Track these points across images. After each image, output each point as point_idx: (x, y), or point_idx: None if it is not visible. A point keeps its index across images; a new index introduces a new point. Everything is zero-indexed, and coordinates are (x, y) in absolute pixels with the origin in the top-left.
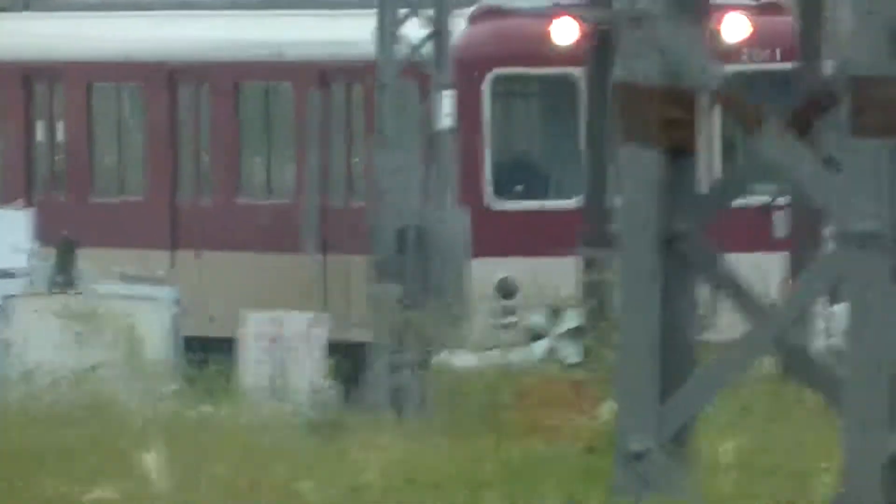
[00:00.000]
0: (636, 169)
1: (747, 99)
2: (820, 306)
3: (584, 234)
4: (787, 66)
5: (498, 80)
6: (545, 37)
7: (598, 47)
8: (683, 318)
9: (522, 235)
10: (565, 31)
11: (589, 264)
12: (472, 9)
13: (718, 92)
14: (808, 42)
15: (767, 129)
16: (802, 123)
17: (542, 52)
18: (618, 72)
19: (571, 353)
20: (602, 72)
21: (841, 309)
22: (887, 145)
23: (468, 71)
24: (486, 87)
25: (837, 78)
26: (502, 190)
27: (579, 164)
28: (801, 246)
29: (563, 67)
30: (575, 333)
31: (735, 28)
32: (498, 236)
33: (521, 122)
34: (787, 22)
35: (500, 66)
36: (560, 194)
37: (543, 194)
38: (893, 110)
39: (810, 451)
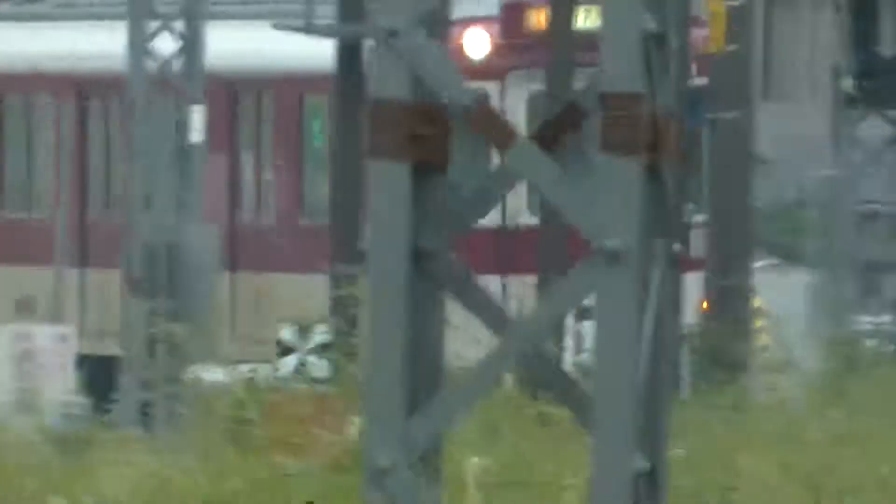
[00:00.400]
0: (385, 185)
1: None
2: (569, 322)
3: (333, 250)
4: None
5: None
6: (456, 50)
7: (348, 63)
8: (431, 334)
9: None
10: (477, 44)
11: (337, 280)
12: None
13: (469, 109)
14: (559, 56)
15: (518, 145)
16: (552, 139)
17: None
18: (370, 87)
19: (320, 368)
20: (350, 87)
21: (590, 326)
22: (637, 162)
23: None
24: None
25: (587, 93)
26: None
27: None
28: (551, 263)
29: (475, 81)
30: (324, 349)
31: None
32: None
33: None
34: None
35: None
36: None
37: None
38: (638, 126)
39: (558, 467)
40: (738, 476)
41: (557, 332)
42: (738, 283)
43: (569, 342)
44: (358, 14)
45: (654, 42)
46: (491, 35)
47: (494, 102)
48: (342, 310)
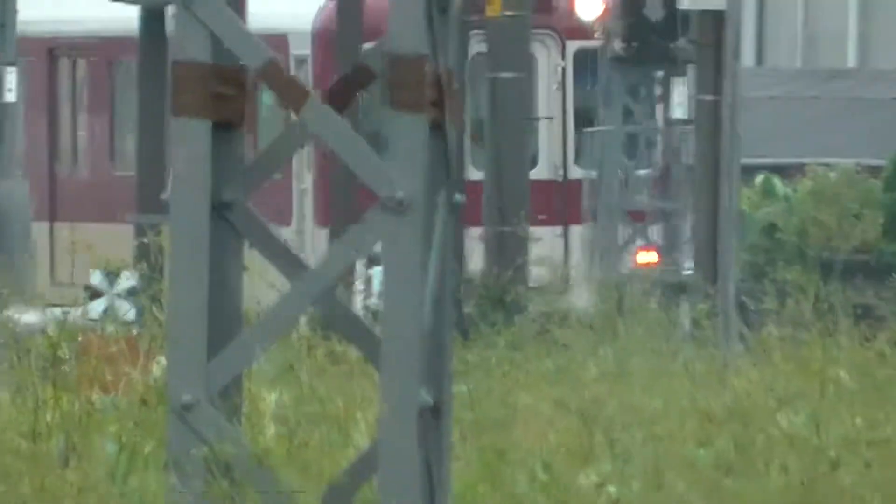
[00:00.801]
0: (187, 142)
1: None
2: (360, 268)
3: (139, 201)
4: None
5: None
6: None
7: (152, 27)
8: (231, 280)
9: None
10: (589, 6)
11: (141, 230)
12: None
13: (263, 70)
14: (347, 9)
15: (310, 104)
16: (344, 98)
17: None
18: (172, 50)
19: (127, 311)
20: (155, 51)
21: (378, 271)
22: (421, 119)
23: (325, 45)
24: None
25: (375, 55)
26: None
27: None
28: (342, 215)
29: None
30: (130, 293)
31: (588, 6)
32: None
33: None
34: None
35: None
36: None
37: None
38: (425, 87)
39: (349, 402)
40: (516, 410)
41: (348, 277)
42: (514, 231)
43: (359, 287)
44: None
45: (438, 8)
46: None
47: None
48: (147, 256)
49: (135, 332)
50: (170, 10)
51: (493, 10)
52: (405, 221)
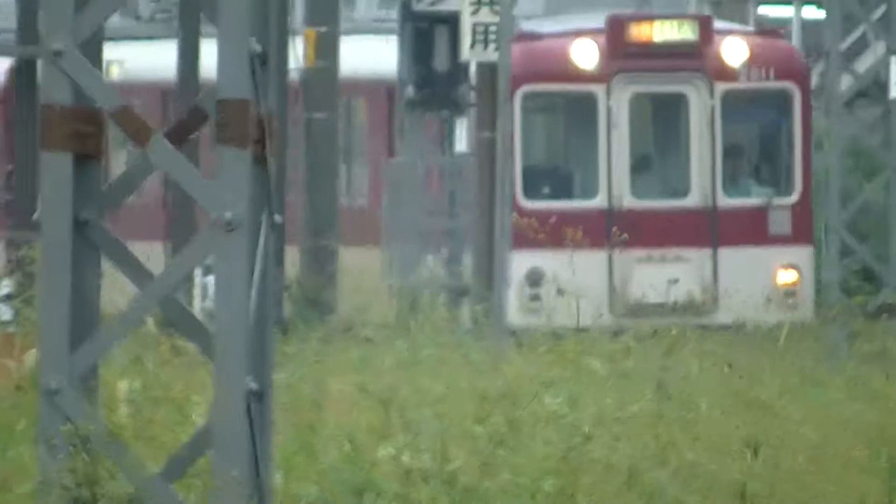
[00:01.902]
0: (52, 171)
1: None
2: (197, 276)
3: (14, 220)
4: (780, 84)
5: (527, 96)
6: (567, 57)
7: (25, 75)
8: (90, 285)
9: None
10: (585, 53)
11: (14, 243)
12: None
13: (115, 112)
14: (186, 65)
15: (154, 140)
16: (181, 135)
17: (566, 70)
18: (42, 94)
19: (5, 313)
20: (29, 94)
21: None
22: (246, 153)
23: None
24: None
25: (208, 100)
26: None
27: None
28: (181, 232)
29: (583, 84)
30: (8, 298)
31: (735, 51)
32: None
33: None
34: (778, 46)
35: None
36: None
37: None
38: (249, 126)
39: (188, 388)
40: (326, 394)
41: (187, 284)
42: (326, 244)
43: (196, 292)
44: (34, 37)
45: (259, 60)
46: (598, 44)
47: (601, 102)
48: (22, 267)
49: (11, 330)
50: (39, 63)
51: (308, 61)
52: (233, 237)
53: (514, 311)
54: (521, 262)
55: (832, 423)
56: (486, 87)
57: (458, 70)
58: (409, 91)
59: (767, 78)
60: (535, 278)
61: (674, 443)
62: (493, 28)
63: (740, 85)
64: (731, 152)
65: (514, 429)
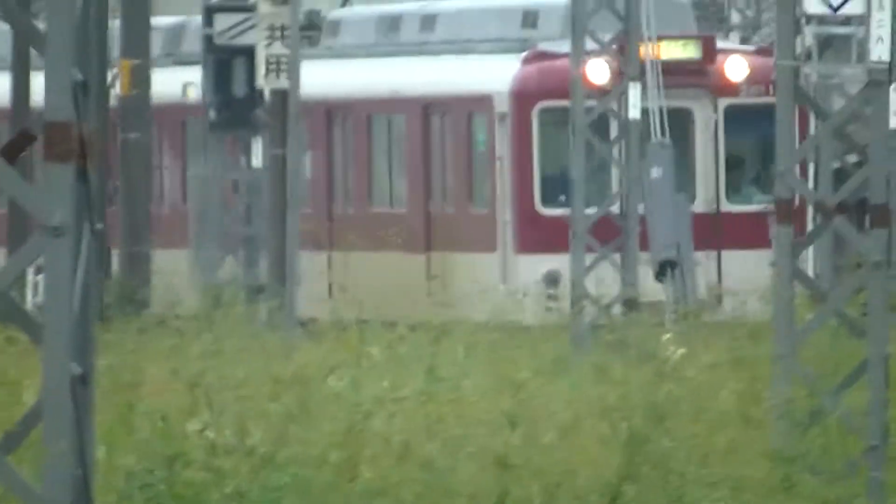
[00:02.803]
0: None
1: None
2: (30, 276)
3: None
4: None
5: (544, 111)
6: (583, 75)
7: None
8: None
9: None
10: (598, 72)
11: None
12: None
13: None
14: (18, 90)
15: None
16: (14, 153)
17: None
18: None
19: None
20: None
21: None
22: (70, 168)
23: (520, 103)
24: (534, 117)
25: (37, 122)
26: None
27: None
28: (16, 239)
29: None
30: None
31: (736, 68)
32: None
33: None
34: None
35: (546, 99)
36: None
37: None
38: (70, 143)
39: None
40: (142, 377)
41: (20, 282)
42: (140, 250)
43: (29, 289)
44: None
45: (81, 87)
46: (608, 63)
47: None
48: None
49: None
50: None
51: (124, 89)
52: (60, 242)
53: (531, 310)
54: (538, 266)
55: (580, 403)
56: (277, 110)
57: (254, 95)
58: (212, 114)
59: (767, 93)
60: (553, 279)
61: (442, 419)
62: (284, 59)
63: (741, 100)
64: (734, 162)
65: (303, 408)
